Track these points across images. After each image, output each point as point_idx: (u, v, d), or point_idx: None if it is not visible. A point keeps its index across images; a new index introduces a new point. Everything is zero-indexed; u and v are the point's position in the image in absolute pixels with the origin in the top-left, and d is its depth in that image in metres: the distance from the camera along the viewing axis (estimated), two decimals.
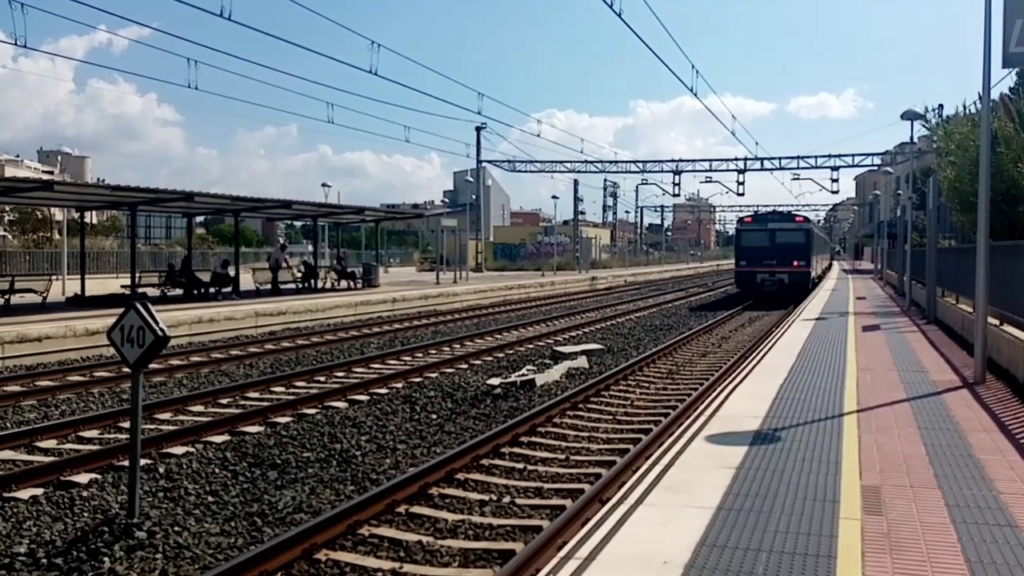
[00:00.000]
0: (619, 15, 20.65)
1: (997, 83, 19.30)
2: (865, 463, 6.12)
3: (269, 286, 28.79)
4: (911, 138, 24.59)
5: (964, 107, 20.46)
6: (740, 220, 37.18)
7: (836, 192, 65.60)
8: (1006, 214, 15.10)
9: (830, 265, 63.58)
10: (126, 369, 12.39)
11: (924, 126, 22.57)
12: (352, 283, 31.94)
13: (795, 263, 32.65)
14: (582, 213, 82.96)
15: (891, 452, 6.46)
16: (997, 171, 14.18)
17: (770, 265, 32.57)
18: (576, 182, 75.32)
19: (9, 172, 79.95)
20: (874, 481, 5.65)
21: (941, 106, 28.27)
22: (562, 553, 4.47)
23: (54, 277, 25.03)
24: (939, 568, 4.10)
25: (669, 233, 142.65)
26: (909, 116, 20.56)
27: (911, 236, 24.10)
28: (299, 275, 31.34)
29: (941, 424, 7.53)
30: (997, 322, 11.88)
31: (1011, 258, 11.45)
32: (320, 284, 31.20)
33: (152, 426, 9.86)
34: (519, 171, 63.27)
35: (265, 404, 10.97)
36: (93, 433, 9.61)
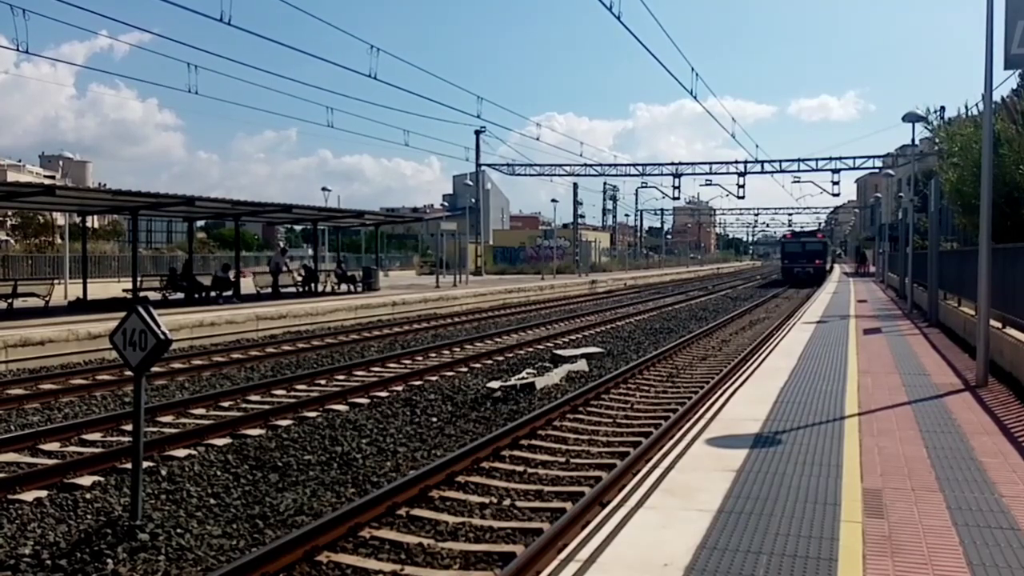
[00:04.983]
0: (618, 18, 20.75)
1: (999, 85, 19.34)
2: (866, 466, 6.12)
3: (270, 290, 28.84)
4: (913, 140, 24.55)
5: (966, 108, 20.48)
6: (783, 236, 67.57)
7: (837, 195, 65.91)
8: (1008, 216, 15.07)
9: (832, 266, 67.27)
10: (128, 372, 12.44)
11: (926, 128, 22.55)
12: (352, 287, 31.97)
13: (816, 261, 56.21)
14: (581, 216, 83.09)
15: (892, 455, 6.46)
16: (999, 173, 14.16)
17: (802, 262, 55.56)
18: (575, 185, 75.51)
19: (11, 177, 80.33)
20: (875, 484, 5.65)
21: (943, 108, 28.24)
22: (563, 555, 4.48)
23: (56, 281, 25.08)
24: (941, 571, 4.10)
25: (669, 236, 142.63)
26: (911, 118, 20.52)
27: (913, 239, 24.09)
28: (299, 279, 31.42)
29: (943, 427, 7.53)
30: (999, 325, 11.87)
31: (1014, 261, 11.45)
32: (320, 288, 31.24)
33: (154, 429, 9.87)
34: (518, 175, 63.42)
35: (266, 407, 10.98)
36: (96, 436, 9.63)
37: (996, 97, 14.02)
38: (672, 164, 61.88)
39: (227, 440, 9.36)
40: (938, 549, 4.39)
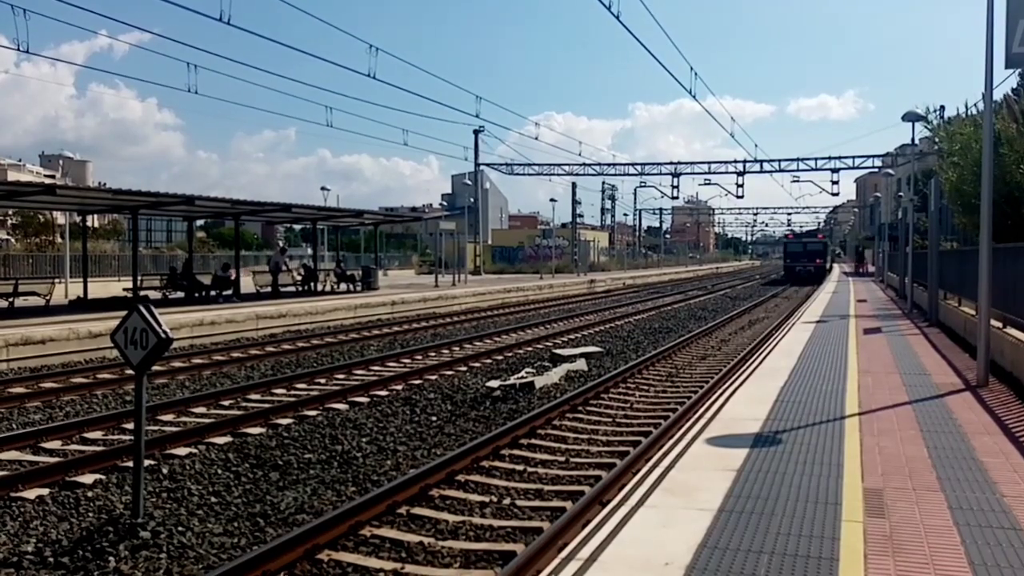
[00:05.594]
0: (617, 17, 20.74)
1: (999, 84, 19.30)
2: (867, 466, 6.13)
3: (269, 289, 28.85)
4: (912, 140, 24.57)
5: (966, 108, 20.48)
6: (785, 236, 74.22)
7: (836, 194, 65.82)
8: (1009, 216, 15.07)
9: (832, 265, 69.01)
10: (129, 371, 12.44)
11: (926, 127, 22.53)
12: (351, 286, 31.98)
13: (816, 260, 59.07)
14: (580, 216, 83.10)
15: (893, 455, 6.46)
16: (1000, 172, 14.15)
17: (803, 262, 58.44)
18: (574, 185, 75.55)
19: (11, 176, 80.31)
20: (876, 484, 5.65)
21: (942, 107, 28.25)
22: (563, 554, 4.48)
23: (57, 280, 25.07)
24: (942, 571, 4.11)
25: (667, 236, 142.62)
26: (910, 117, 20.52)
27: (912, 238, 24.10)
28: (299, 278, 31.43)
29: (944, 427, 7.53)
30: (1000, 324, 11.87)
31: (1014, 260, 11.45)
32: (320, 287, 31.25)
33: (155, 427, 9.87)
34: (517, 174, 63.30)
35: (267, 406, 10.99)
36: (97, 434, 9.63)
37: (996, 96, 14.00)
38: (671, 163, 61.82)
39: (228, 439, 9.37)
40: (940, 549, 4.40)
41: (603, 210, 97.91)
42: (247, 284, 29.14)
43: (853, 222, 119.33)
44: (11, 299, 20.45)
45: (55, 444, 9.16)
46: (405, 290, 32.21)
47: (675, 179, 61.47)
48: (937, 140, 23.36)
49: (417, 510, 6.87)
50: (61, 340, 15.31)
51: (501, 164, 63.01)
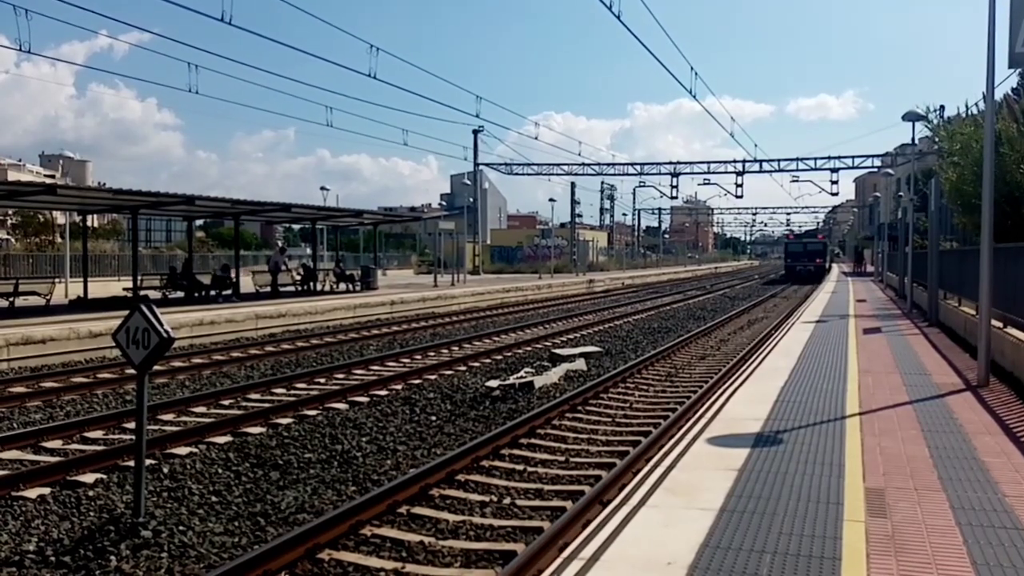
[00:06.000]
0: (618, 17, 20.78)
1: (1000, 83, 19.28)
2: (868, 465, 6.12)
3: (269, 288, 28.85)
4: (912, 139, 24.62)
5: (966, 107, 20.47)
6: (785, 236, 79.97)
7: (836, 194, 65.92)
8: (1009, 216, 15.05)
9: (831, 265, 69.53)
10: (129, 370, 12.46)
11: (927, 127, 22.52)
12: (351, 286, 31.98)
13: (816, 260, 60.86)
14: (579, 216, 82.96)
15: (894, 455, 6.46)
16: (1000, 172, 14.13)
17: (804, 261, 60.43)
18: (573, 185, 75.40)
19: (11, 176, 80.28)
20: (878, 483, 5.65)
21: (942, 107, 28.29)
22: (566, 553, 4.48)
23: (57, 280, 25.08)
24: (945, 570, 4.11)
25: (666, 236, 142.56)
26: (910, 117, 20.54)
27: (912, 238, 24.10)
28: (298, 278, 31.42)
29: (944, 427, 7.53)
30: (1000, 324, 11.88)
31: (1015, 260, 11.45)
32: (319, 287, 31.25)
33: (155, 427, 9.86)
34: (516, 174, 63.26)
35: (267, 405, 10.98)
36: (98, 434, 9.63)
37: (997, 96, 13.98)
38: (670, 163, 61.79)
39: (228, 438, 9.37)
40: (942, 548, 4.40)
41: (602, 210, 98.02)
42: (246, 284, 29.14)
43: (852, 222, 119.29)
44: (11, 299, 20.47)
45: (56, 443, 9.16)
46: (404, 290, 32.21)
47: (674, 179, 61.51)
48: (937, 140, 23.33)
49: (417, 509, 6.87)
50: (61, 340, 15.31)
51: (500, 164, 63.02)
